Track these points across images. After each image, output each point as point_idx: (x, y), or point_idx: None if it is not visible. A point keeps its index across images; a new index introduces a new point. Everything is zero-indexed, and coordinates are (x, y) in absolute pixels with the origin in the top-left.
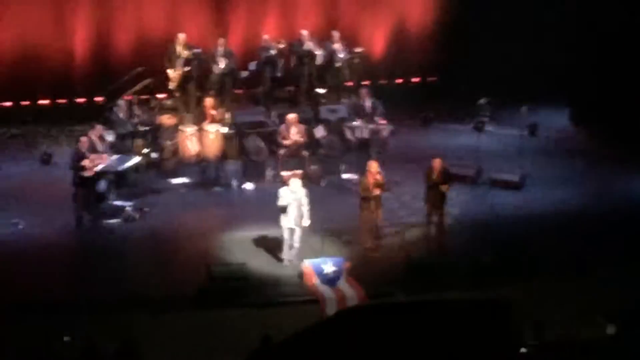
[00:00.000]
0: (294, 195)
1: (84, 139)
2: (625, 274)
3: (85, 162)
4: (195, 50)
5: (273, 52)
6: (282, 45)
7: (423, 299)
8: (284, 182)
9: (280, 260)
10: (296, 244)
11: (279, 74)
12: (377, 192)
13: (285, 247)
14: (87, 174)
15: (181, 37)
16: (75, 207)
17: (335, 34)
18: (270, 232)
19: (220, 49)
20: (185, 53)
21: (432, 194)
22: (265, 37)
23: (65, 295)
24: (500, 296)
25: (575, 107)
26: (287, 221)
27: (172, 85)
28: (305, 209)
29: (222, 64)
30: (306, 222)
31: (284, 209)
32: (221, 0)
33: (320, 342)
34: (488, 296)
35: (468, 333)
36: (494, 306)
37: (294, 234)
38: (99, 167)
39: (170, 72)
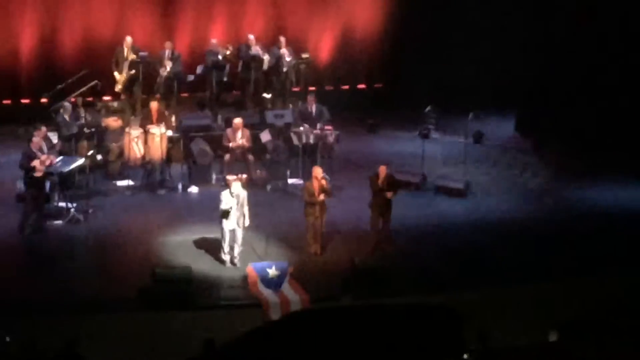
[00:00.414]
0: (235, 198)
1: (35, 139)
2: (568, 281)
3: (36, 163)
4: (141, 53)
5: (220, 56)
6: (229, 51)
7: (368, 303)
8: (229, 186)
9: (222, 262)
10: (238, 245)
11: (225, 78)
12: (322, 197)
13: (226, 249)
14: (37, 174)
15: (128, 40)
16: (24, 208)
17: (282, 39)
18: (215, 235)
19: (167, 52)
20: (131, 56)
21: (378, 201)
22: (213, 41)
23: (7, 296)
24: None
25: (521, 116)
26: (228, 223)
27: (118, 88)
28: (246, 209)
29: (168, 67)
30: (247, 222)
31: (225, 213)
32: (169, 4)
33: (263, 346)
34: (431, 302)
35: (411, 338)
36: (438, 312)
37: (235, 235)
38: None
39: (117, 75)
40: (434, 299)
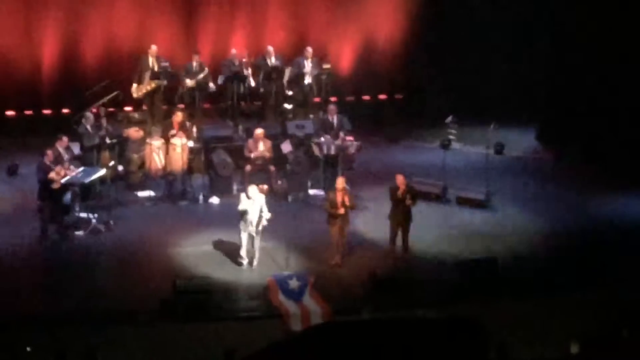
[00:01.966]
0: (251, 201)
1: (49, 151)
2: (590, 293)
3: (52, 175)
4: (163, 64)
5: (240, 67)
6: (245, 60)
7: (390, 317)
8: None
9: (239, 264)
10: (256, 250)
11: (246, 89)
12: (341, 211)
13: (243, 252)
14: (54, 186)
15: (153, 48)
16: (41, 219)
17: (309, 50)
18: (235, 246)
19: (195, 64)
20: (156, 65)
21: (397, 211)
22: (233, 51)
23: (29, 307)
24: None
25: (542, 127)
26: (245, 227)
27: (139, 98)
28: (265, 213)
29: (195, 78)
30: (265, 219)
31: (242, 213)
32: (191, 14)
33: (286, 358)
34: (454, 315)
35: (435, 352)
36: (462, 325)
37: (253, 240)
38: (65, 179)
39: (135, 85)
40: (455, 310)
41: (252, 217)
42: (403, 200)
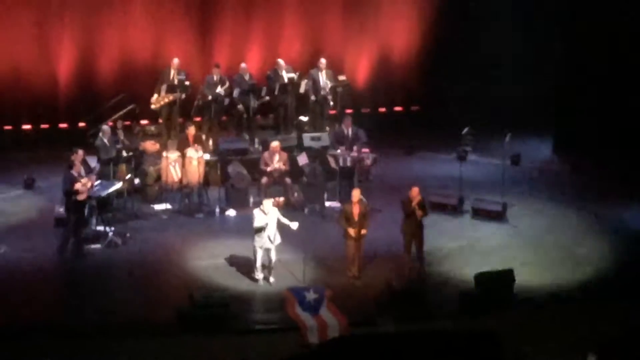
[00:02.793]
0: (267, 216)
1: (77, 163)
2: (606, 303)
3: (78, 186)
4: (179, 77)
5: (254, 80)
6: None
7: (407, 330)
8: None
9: (255, 280)
10: (271, 264)
11: (262, 102)
12: (363, 232)
13: (259, 267)
14: (79, 197)
15: (175, 62)
16: (64, 232)
17: (323, 61)
18: (252, 258)
19: (215, 77)
20: (175, 79)
21: (410, 223)
22: (243, 65)
23: (47, 320)
24: (485, 328)
25: (558, 137)
26: (261, 241)
27: (157, 109)
28: (293, 224)
29: (215, 91)
30: (278, 239)
31: (258, 230)
32: (206, 28)
33: None
34: (472, 328)
35: None
36: (479, 338)
37: (269, 253)
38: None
39: (155, 95)
40: (471, 322)
41: (269, 231)
42: (415, 211)
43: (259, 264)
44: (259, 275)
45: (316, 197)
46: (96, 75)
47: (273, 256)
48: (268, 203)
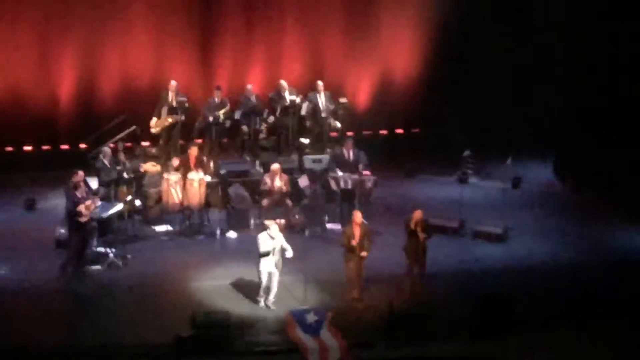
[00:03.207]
0: (274, 240)
1: (81, 184)
2: (608, 326)
3: (81, 207)
4: (180, 99)
5: (257, 101)
6: (260, 94)
7: (409, 354)
8: (267, 229)
9: (257, 302)
10: (274, 287)
11: (263, 124)
12: (364, 254)
13: (262, 291)
14: (82, 219)
15: (173, 84)
16: (67, 253)
17: (320, 84)
18: (253, 280)
19: (217, 99)
20: (176, 100)
21: (412, 245)
22: (249, 86)
23: (47, 342)
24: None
25: (559, 160)
26: (267, 265)
27: (153, 131)
28: (289, 251)
29: (215, 113)
30: (290, 253)
31: (265, 254)
32: (207, 49)
33: None
34: (475, 352)
35: None
36: None
37: (271, 278)
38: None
39: (154, 119)
40: (472, 345)
41: (275, 256)
42: (416, 233)
43: (263, 287)
44: (263, 299)
45: (317, 219)
46: (97, 96)
47: (276, 280)
48: (275, 227)
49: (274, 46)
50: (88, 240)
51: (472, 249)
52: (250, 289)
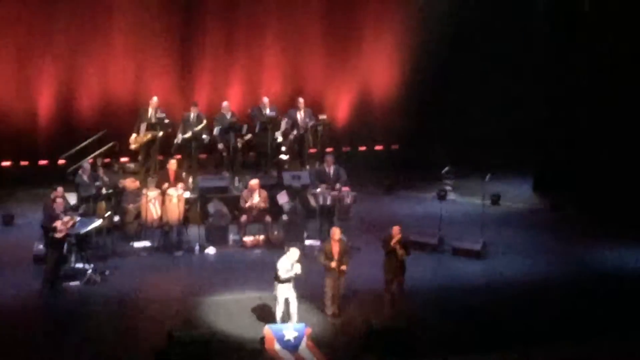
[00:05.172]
0: (294, 267)
1: (59, 200)
2: (586, 343)
3: (58, 224)
4: (159, 115)
5: (235, 118)
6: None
7: None
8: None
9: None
10: (295, 315)
11: (242, 140)
12: (343, 267)
13: (280, 319)
14: (58, 235)
15: (154, 100)
16: (45, 269)
17: (301, 100)
18: (232, 296)
19: (193, 115)
20: (153, 117)
21: (391, 262)
22: (225, 103)
23: (22, 358)
24: None
25: (538, 177)
26: (284, 291)
27: (132, 147)
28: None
29: (192, 129)
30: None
31: (286, 281)
32: (186, 66)
33: None
34: None
35: None
36: None
37: (290, 303)
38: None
39: (137, 136)
40: None
41: (292, 282)
42: (395, 250)
43: (278, 314)
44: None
45: (296, 235)
46: (76, 112)
47: (294, 307)
48: (295, 252)
49: (254, 63)
50: (64, 255)
51: (451, 265)
52: (229, 305)
